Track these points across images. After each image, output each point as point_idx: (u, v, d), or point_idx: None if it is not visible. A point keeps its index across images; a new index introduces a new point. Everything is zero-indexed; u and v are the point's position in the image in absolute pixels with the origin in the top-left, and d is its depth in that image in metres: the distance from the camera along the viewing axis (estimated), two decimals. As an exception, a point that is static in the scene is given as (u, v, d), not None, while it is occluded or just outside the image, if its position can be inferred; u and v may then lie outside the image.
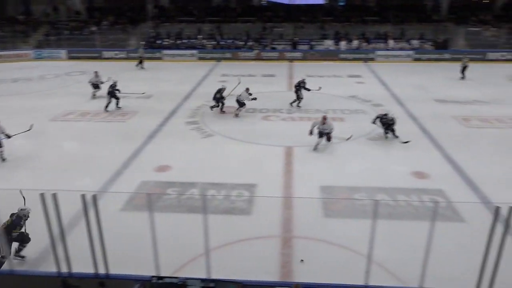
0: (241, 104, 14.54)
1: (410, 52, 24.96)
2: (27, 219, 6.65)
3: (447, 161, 10.90)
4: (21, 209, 6.61)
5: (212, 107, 15.03)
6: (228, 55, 26.57)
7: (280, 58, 26.09)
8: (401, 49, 25.41)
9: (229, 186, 9.43)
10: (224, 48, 27.26)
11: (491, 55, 24.32)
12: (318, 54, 25.88)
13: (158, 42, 28.18)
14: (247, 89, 14.76)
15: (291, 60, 25.81)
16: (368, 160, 10.95)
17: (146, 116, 14.85)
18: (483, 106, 15.65)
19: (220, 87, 14.88)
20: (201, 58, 26.47)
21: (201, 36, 28.20)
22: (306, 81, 15.59)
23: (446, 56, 24.60)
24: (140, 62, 23.88)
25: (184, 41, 28.24)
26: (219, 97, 14.74)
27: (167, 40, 28.18)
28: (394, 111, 14.98)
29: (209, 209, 8.20)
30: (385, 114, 12.22)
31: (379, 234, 5.43)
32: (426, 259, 5.35)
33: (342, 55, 25.56)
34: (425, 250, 5.29)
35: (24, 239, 6.65)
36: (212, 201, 8.80)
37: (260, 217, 8.23)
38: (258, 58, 26.19)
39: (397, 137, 11.99)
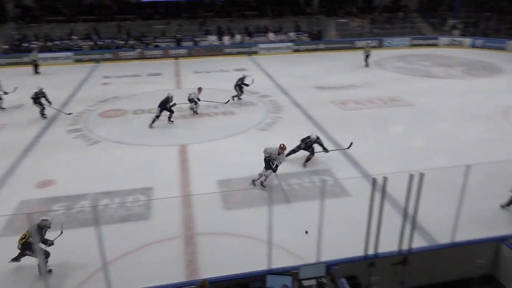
0: (192, 101, 14.19)
1: (290, 44, 26.43)
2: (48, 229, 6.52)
3: (331, 142, 11.81)
4: (43, 220, 6.53)
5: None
6: (108, 55, 25.09)
7: (165, 56, 25.51)
8: (281, 41, 26.75)
9: (124, 193, 8.98)
10: (103, 48, 25.67)
11: (359, 43, 26.97)
12: (203, 50, 25.92)
13: (25, 45, 25.36)
14: (200, 89, 14.40)
15: (177, 57, 25.42)
16: (262, 150, 11.34)
17: (18, 128, 13.32)
18: (356, 90, 17.31)
19: (168, 95, 13.34)
20: (78, 60, 24.56)
21: (76, 37, 26.12)
22: (245, 76, 15.89)
23: (321, 46, 26.62)
24: (35, 67, 21.36)
25: (56, 42, 25.86)
26: (169, 107, 13.30)
27: (36, 42, 25.51)
28: (279, 100, 15.82)
29: (103, 220, 7.71)
30: (308, 137, 10.49)
31: (278, 218, 5.70)
32: (320, 234, 5.77)
33: (227, 50, 25.98)
34: (318, 226, 5.70)
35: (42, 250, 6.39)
36: (106, 211, 8.29)
37: (160, 220, 8.01)
38: (141, 57, 25.24)
39: (327, 150, 10.55)
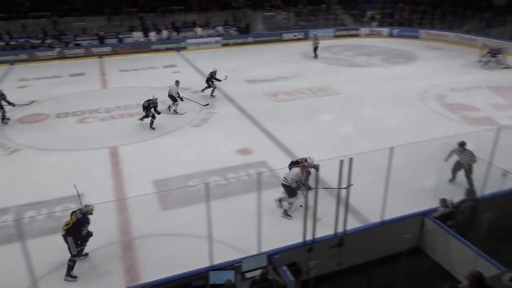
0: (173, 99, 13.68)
1: (218, 38, 26.31)
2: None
3: (265, 134, 12.01)
4: (86, 205, 6.47)
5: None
6: (23, 56, 23.21)
7: (88, 55, 24.15)
8: (209, 36, 26.54)
9: (52, 203, 8.41)
10: (16, 49, 23.69)
11: (286, 36, 27.58)
12: (128, 47, 24.93)
13: None
14: (177, 82, 13.98)
15: (100, 55, 24.18)
16: (197, 147, 11.24)
17: None
18: (286, 81, 17.70)
19: (150, 98, 12.44)
20: (-12, 63, 22.44)
21: (-17, 37, 23.84)
22: (216, 70, 15.73)
23: (250, 39, 26.83)
24: None
25: (-40, 44, 23.41)
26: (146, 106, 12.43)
27: None
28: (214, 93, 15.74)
29: (31, 233, 7.19)
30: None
31: (217, 213, 5.68)
32: (260, 226, 5.85)
33: (154, 46, 25.24)
34: (257, 218, 5.77)
35: (87, 237, 6.56)
36: (32, 224, 7.72)
37: (94, 227, 7.61)
38: (61, 57, 23.67)
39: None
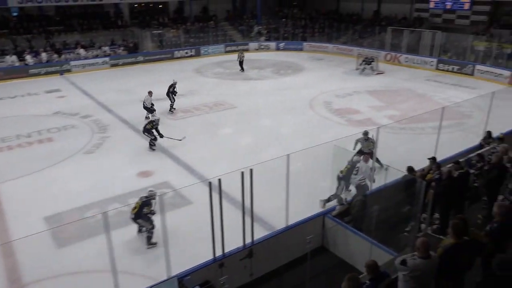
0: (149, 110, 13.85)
1: (106, 59, 25.11)
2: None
3: (165, 154, 11.75)
4: (150, 191, 7.50)
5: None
6: None
7: (-50, 84, 21.15)
8: (96, 56, 25.19)
9: None
10: None
11: (177, 53, 27.44)
12: (1, 73, 22.44)
13: None
14: (150, 93, 14.15)
15: (-33, 84, 21.36)
16: (93, 174, 10.52)
17: None
18: (182, 98, 17.52)
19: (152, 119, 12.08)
20: None
21: None
22: (176, 82, 16.04)
23: (140, 58, 26.10)
24: None
25: None
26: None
27: None
28: (104, 118, 14.91)
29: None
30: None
31: (119, 243, 5.37)
32: (167, 249, 5.67)
33: (32, 71, 23.08)
34: (163, 241, 5.58)
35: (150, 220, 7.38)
36: None
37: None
38: None
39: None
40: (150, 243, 7.45)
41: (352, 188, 8.30)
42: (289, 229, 6.99)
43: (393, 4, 28.91)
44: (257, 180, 6.25)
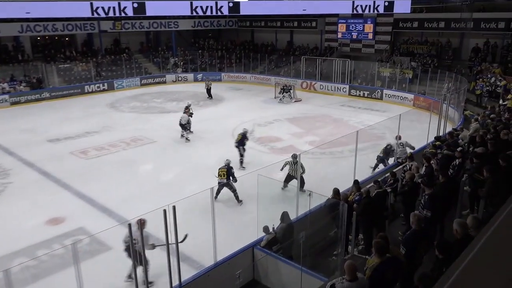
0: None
1: (5, 96, 23.20)
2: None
3: (78, 197, 11.02)
4: (227, 159, 10.41)
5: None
6: None
7: None
8: (-7, 94, 23.20)
9: None
10: None
11: (88, 88, 26.31)
12: None
13: None
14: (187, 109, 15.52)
15: None
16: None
17: None
18: (95, 136, 16.75)
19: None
20: None
21: None
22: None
23: (46, 95, 24.55)
24: None
25: None
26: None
27: None
28: (4, 163, 13.66)
29: None
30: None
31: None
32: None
33: None
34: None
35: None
36: None
37: None
38: None
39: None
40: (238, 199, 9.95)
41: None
42: (218, 265, 6.85)
43: (305, 34, 30.89)
44: (181, 217, 6.09)
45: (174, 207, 5.60)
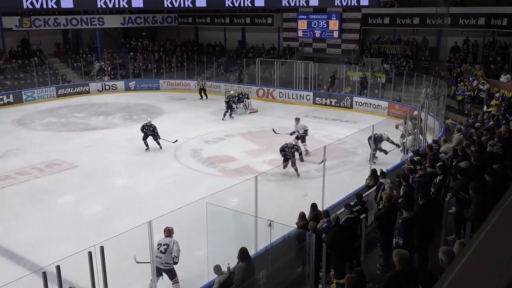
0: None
1: None
2: None
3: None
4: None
5: None
6: None
7: None
8: None
9: None
10: None
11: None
12: None
13: None
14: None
15: None
16: None
17: None
18: (-2, 161, 16.06)
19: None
20: None
21: None
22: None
23: None
24: None
25: None
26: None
27: None
28: None
29: None
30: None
31: None
32: None
33: None
34: None
35: None
36: None
37: None
38: None
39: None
40: None
41: None
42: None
43: (259, 33, 31.45)
44: (111, 260, 5.93)
45: (102, 248, 5.47)
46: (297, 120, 16.72)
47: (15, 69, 28.08)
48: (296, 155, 13.98)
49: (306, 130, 16.29)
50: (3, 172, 14.89)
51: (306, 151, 15.76)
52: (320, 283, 7.34)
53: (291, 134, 16.21)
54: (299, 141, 15.58)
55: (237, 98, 23.01)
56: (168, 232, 8.21)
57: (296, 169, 13.81)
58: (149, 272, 7.46)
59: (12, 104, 25.86)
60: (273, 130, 17.57)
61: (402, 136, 15.09)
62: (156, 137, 16.94)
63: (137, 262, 8.00)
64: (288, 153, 13.69)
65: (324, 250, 7.14)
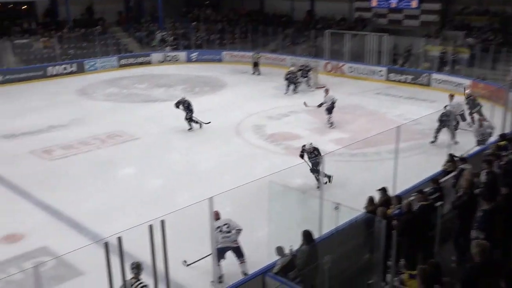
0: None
1: None
2: None
3: (40, 208, 11.15)
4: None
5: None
6: None
7: None
8: None
9: None
10: None
11: (52, 70, 26.50)
12: None
13: None
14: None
15: None
16: None
17: None
18: (62, 131, 16.90)
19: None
20: None
21: None
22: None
23: (-1, 78, 24.85)
24: None
25: None
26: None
27: None
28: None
29: None
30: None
31: None
32: None
33: None
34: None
35: None
36: None
37: None
38: None
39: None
40: None
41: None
42: (219, 296, 6.89)
43: (329, 2, 30.85)
44: (171, 234, 6.13)
45: (162, 222, 5.65)
46: (327, 91, 17.42)
47: (78, 39, 29.21)
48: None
49: (334, 102, 16.84)
50: (67, 141, 15.70)
51: (331, 123, 16.83)
52: (388, 273, 7.24)
53: (319, 106, 17.13)
54: (326, 112, 16.79)
55: (301, 72, 22.82)
56: (217, 214, 8.28)
57: (318, 179, 11.35)
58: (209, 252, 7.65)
59: (75, 73, 27.06)
60: (304, 103, 17.91)
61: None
62: (189, 115, 16.62)
63: (188, 265, 8.36)
64: (311, 158, 11.95)
65: (395, 238, 7.00)
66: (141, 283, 6.31)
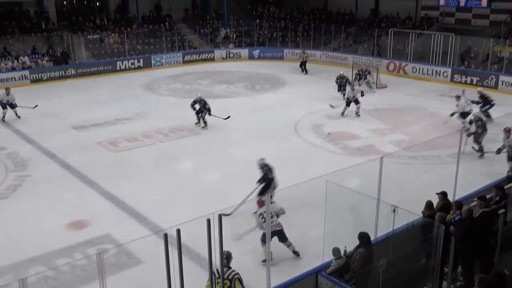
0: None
1: (25, 72, 24.81)
2: None
3: (105, 197, 11.56)
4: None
5: None
6: None
7: None
8: (12, 69, 24.88)
9: None
10: None
11: (120, 65, 27.43)
12: None
13: None
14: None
15: None
16: (8, 227, 10.23)
17: None
18: (127, 124, 17.48)
19: None
20: None
21: None
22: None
23: (72, 72, 25.88)
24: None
25: None
26: None
27: None
28: (22, 151, 14.61)
29: None
30: None
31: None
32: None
33: None
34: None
35: None
36: None
37: None
38: None
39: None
40: None
41: None
42: (273, 292, 6.94)
43: (395, 0, 30.09)
44: (228, 229, 6.21)
45: (220, 216, 5.73)
46: (353, 85, 19.04)
47: (146, 35, 30.08)
48: None
49: (362, 91, 18.77)
50: (132, 134, 16.22)
51: (357, 112, 17.94)
52: (444, 280, 7.04)
53: (347, 103, 18.09)
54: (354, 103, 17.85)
55: (358, 76, 22.40)
56: (261, 202, 8.55)
57: None
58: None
59: (142, 68, 27.88)
60: (330, 105, 18.53)
61: None
62: (204, 114, 16.82)
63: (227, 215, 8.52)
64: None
65: (453, 244, 6.80)
66: (233, 270, 6.50)
